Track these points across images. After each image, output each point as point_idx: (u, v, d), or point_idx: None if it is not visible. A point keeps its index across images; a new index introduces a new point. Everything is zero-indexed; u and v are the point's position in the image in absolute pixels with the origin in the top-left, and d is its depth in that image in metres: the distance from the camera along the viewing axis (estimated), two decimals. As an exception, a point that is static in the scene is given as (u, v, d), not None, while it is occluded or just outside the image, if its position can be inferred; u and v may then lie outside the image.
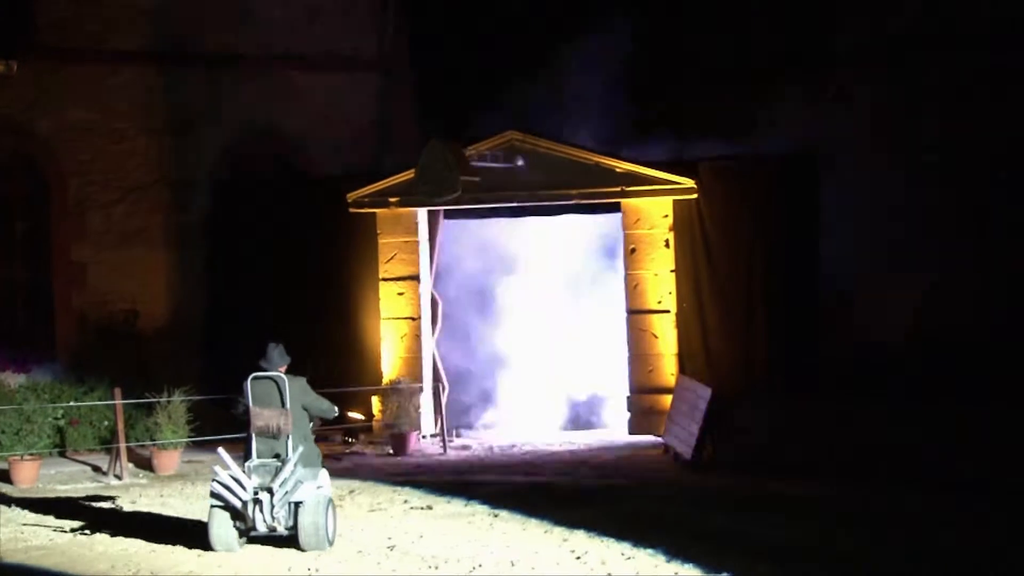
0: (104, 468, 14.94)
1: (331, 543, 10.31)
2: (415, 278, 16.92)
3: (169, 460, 15.06)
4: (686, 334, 16.23)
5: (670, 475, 14.06)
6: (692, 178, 16.07)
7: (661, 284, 16.28)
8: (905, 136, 14.38)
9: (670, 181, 16.12)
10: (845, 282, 15.21)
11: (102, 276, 17.72)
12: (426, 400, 16.61)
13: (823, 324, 15.29)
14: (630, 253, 16.34)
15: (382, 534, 11.05)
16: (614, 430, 16.59)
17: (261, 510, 10.08)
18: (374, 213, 16.95)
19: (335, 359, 16.42)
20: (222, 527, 10.19)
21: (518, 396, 17.13)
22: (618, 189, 16.20)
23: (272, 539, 10.47)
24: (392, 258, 16.99)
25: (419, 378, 16.64)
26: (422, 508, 12.23)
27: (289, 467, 10.10)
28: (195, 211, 18.08)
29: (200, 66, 17.93)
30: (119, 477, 14.67)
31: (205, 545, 10.41)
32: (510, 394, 17.21)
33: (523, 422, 17.02)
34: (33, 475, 14.39)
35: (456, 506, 12.35)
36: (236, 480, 10.15)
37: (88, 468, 15.16)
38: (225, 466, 10.24)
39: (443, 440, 16.11)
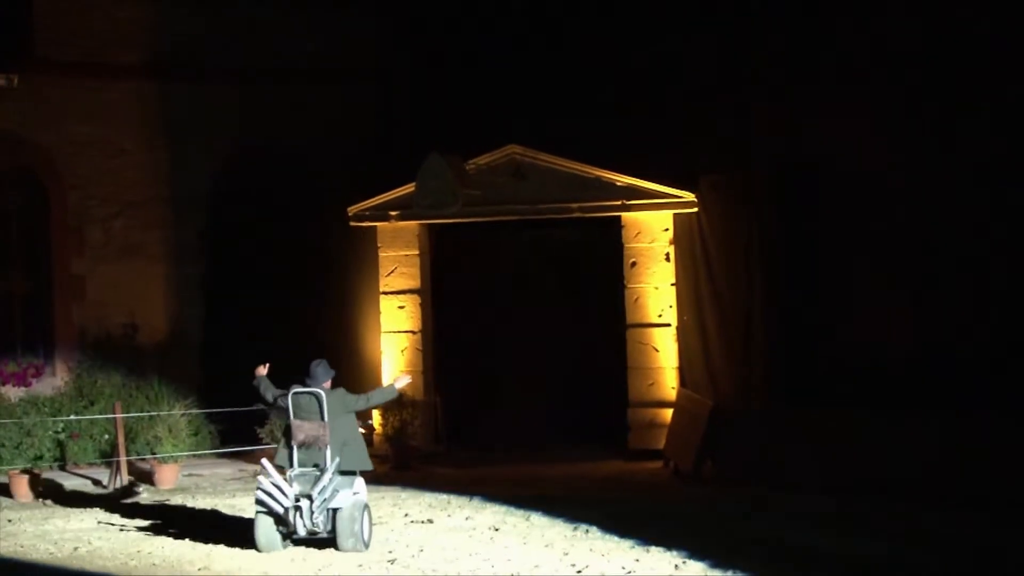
0: (105, 481, 14.95)
1: (367, 545, 11.02)
2: (416, 292, 16.92)
3: (169, 474, 15.05)
4: (686, 347, 16.19)
5: (671, 489, 14.06)
6: (693, 191, 16.06)
7: (662, 298, 16.26)
8: (907, 144, 14.37)
9: (671, 195, 16.13)
10: (846, 291, 15.09)
11: (101, 289, 17.68)
12: (427, 414, 16.61)
13: (824, 335, 15.17)
14: (630, 267, 16.34)
15: (383, 548, 11.10)
16: (615, 443, 16.47)
17: (301, 516, 10.88)
18: (375, 226, 16.96)
19: (337, 373, 16.01)
20: (266, 530, 10.99)
21: (519, 408, 17.06)
22: (619, 203, 16.21)
23: (314, 541, 11.14)
24: (393, 271, 16.99)
25: (420, 392, 16.62)
26: (423, 522, 12.24)
27: (327, 476, 10.88)
28: (194, 224, 18.08)
29: (199, 79, 17.94)
30: (119, 489, 14.70)
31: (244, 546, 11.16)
32: (511, 406, 17.14)
33: (525, 434, 16.94)
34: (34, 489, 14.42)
35: (457, 519, 12.34)
36: (278, 488, 10.93)
37: (89, 482, 15.18)
38: (268, 475, 11.01)
39: (443, 453, 16.18)
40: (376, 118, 17.79)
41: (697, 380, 15.98)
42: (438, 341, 17.12)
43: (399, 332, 17.02)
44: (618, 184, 16.23)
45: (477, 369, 16.77)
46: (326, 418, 11.00)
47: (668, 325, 16.28)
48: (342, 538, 10.91)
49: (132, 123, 17.91)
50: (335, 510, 10.93)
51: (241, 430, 16.04)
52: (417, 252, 17.00)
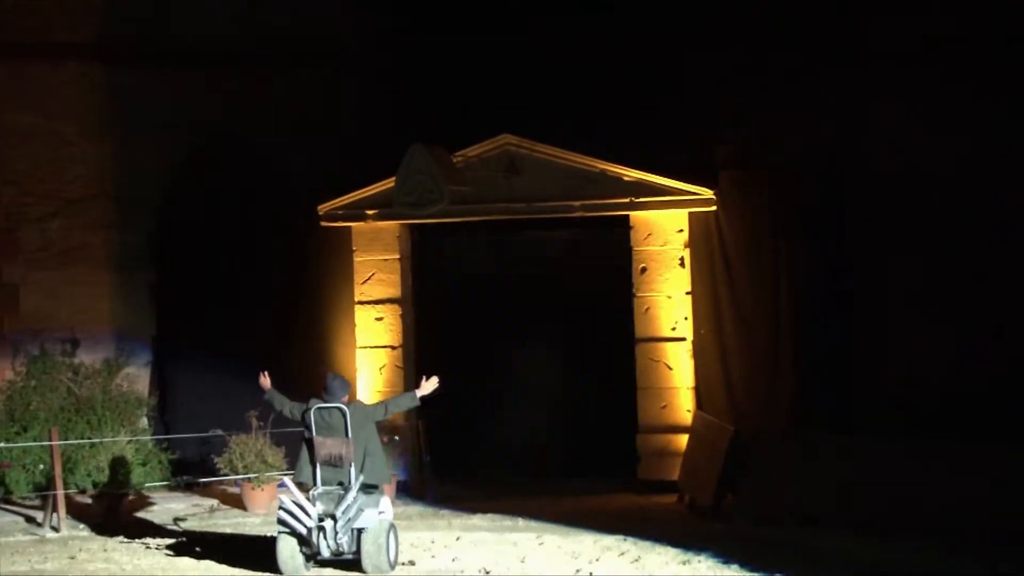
0: (40, 519, 14.77)
1: (392, 567, 11.71)
2: (395, 301, 16.88)
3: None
4: (704, 365, 16.11)
5: (686, 525, 13.99)
6: (711, 188, 15.97)
7: (675, 308, 16.20)
8: (957, 137, 14.25)
9: (686, 191, 16.04)
10: (886, 302, 15.04)
11: (37, 300, 17.50)
12: (408, 441, 16.42)
13: (861, 351, 15.11)
14: (640, 273, 16.28)
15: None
16: (622, 473, 16.39)
17: (325, 536, 11.51)
18: (349, 227, 16.92)
19: (306, 395, 15.60)
20: (290, 552, 11.62)
21: (513, 435, 16.98)
22: (627, 200, 16.15)
23: (338, 563, 11.77)
24: (369, 278, 16.94)
25: (401, 416, 16.11)
26: (403, 563, 12.14)
27: (351, 495, 11.53)
28: (144, 226, 17.84)
29: (154, 64, 17.73)
30: (56, 529, 14.47)
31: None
32: (504, 432, 17.04)
33: (520, 463, 16.92)
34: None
35: (442, 561, 12.33)
36: (300, 507, 11.56)
37: (21, 519, 15.03)
38: (290, 494, 11.68)
39: (427, 485, 16.05)
40: (351, 105, 17.52)
41: (716, 402, 15.92)
42: (421, 357, 16.95)
43: (376, 347, 16.96)
44: (626, 179, 16.18)
45: (466, 390, 16.33)
46: (350, 434, 11.62)
47: (683, 339, 16.22)
48: (367, 559, 11.50)
49: (77, 111, 17.68)
50: (360, 530, 11.53)
51: (197, 459, 16.28)
52: (397, 256, 16.94)
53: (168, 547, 13.24)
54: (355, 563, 11.56)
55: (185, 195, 17.70)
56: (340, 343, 17.06)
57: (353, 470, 11.58)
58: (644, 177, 16.09)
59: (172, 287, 17.74)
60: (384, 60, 17.57)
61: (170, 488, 16.10)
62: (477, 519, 14.56)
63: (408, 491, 16.12)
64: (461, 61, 17.08)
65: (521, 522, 14.32)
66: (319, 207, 16.83)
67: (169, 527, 14.55)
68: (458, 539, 13.23)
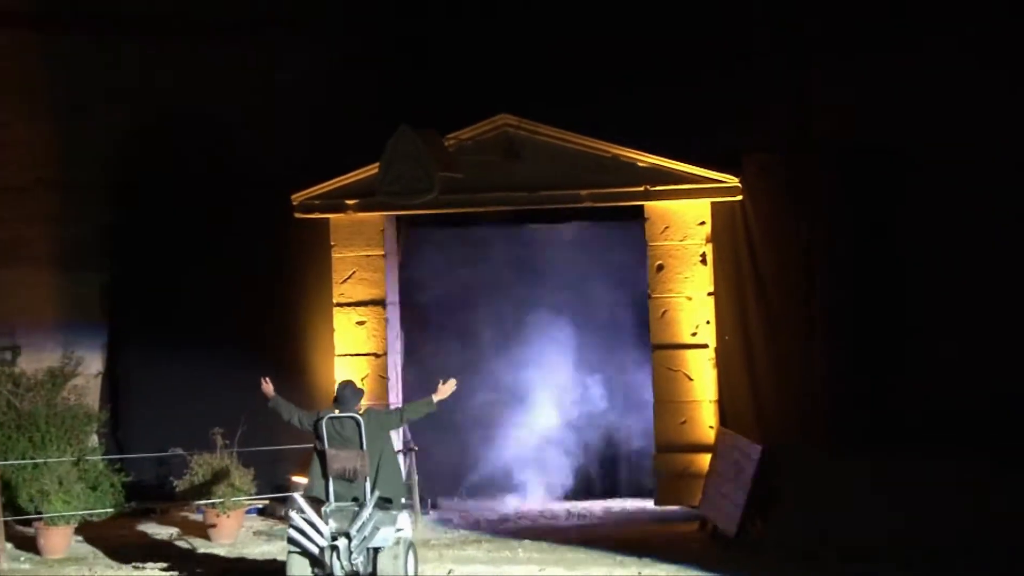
0: None
1: None
2: (380, 303, 16.65)
3: (59, 539, 14.84)
4: (728, 375, 15.95)
5: (708, 557, 13.74)
6: (736, 174, 15.79)
7: (696, 311, 16.01)
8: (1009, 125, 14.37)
9: (708, 179, 15.86)
10: (934, 304, 14.86)
11: None
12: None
13: (906, 359, 14.97)
14: (656, 271, 16.10)
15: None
16: (636, 498, 16.52)
17: (339, 556, 11.69)
18: (327, 219, 16.74)
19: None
20: (301, 572, 11.84)
21: (512, 454, 16.90)
22: (641, 189, 15.96)
23: None
24: (350, 277, 16.67)
25: None
26: None
27: (366, 511, 11.75)
28: (94, 218, 17.61)
29: (102, 33, 17.47)
30: None
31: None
32: (502, 452, 17.00)
33: (519, 488, 16.96)
34: None
35: None
36: (312, 524, 11.77)
37: None
38: (300, 510, 11.88)
39: (414, 511, 15.47)
40: (330, 80, 17.29)
41: (742, 417, 15.76)
42: (409, 368, 16.91)
43: (358, 355, 16.70)
44: (640, 165, 15.99)
45: (462, 406, 16.25)
46: (365, 446, 11.87)
47: (704, 346, 16.02)
48: None
49: (11, 87, 17.50)
50: (376, 549, 11.78)
51: (154, 482, 16.24)
52: (382, 252, 16.69)
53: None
54: None
55: (141, 182, 17.47)
56: (317, 350, 16.83)
57: (368, 484, 11.84)
58: (660, 162, 15.92)
59: (126, 288, 17.59)
60: (368, 29, 17.34)
61: (124, 515, 15.88)
62: (472, 549, 14.40)
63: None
64: (455, 31, 17.01)
65: (521, 552, 14.21)
66: (293, 196, 16.60)
67: (125, 560, 14.42)
68: (450, 572, 13.17)
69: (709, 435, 15.74)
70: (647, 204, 16.00)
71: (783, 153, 15.66)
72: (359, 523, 11.65)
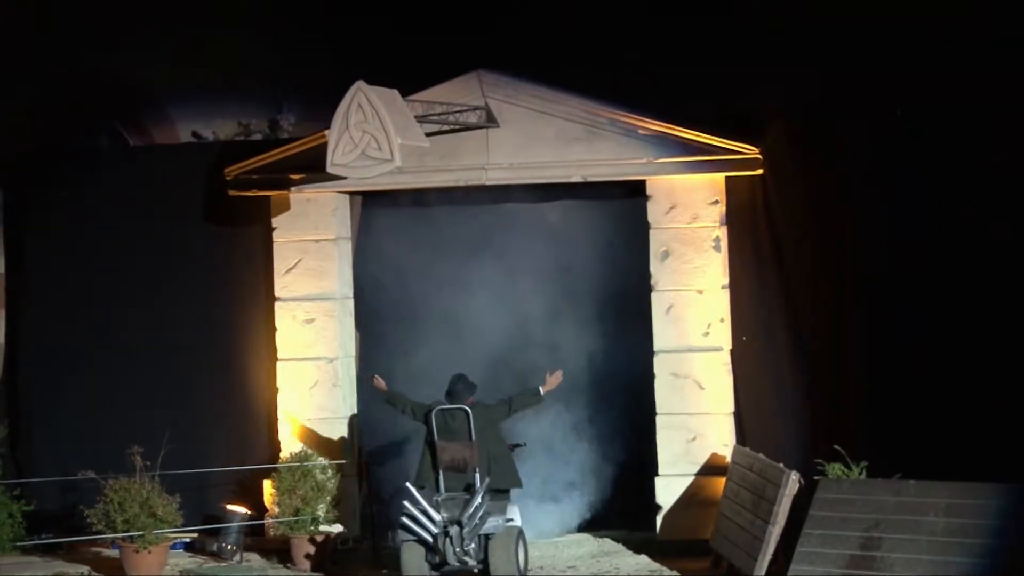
0: None
1: None
2: (331, 298, 16.34)
3: None
4: (747, 383, 15.60)
5: None
6: (756, 144, 15.29)
7: (708, 306, 15.57)
8: None
9: (722, 148, 15.36)
10: (990, 297, 14.36)
11: None
12: (346, 485, 16.03)
13: (961, 366, 14.41)
14: (661, 259, 15.66)
15: None
16: (637, 527, 16.09)
17: (452, 542, 13.23)
18: (267, 197, 16.33)
19: (207, 425, 16.40)
20: (416, 561, 13.33)
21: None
22: (643, 161, 15.52)
23: (462, 573, 13.40)
24: (295, 266, 16.33)
25: (335, 452, 16.07)
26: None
27: (476, 499, 13.23)
28: None
29: None
30: None
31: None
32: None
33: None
34: None
35: None
36: (424, 513, 13.22)
37: None
38: (414, 499, 13.32)
39: (372, 546, 15.45)
40: (271, 36, 16.85)
41: (762, 433, 15.45)
42: (367, 373, 16.08)
43: (305, 359, 16.38)
44: (642, 132, 15.52)
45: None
46: (474, 437, 13.50)
47: (718, 349, 15.60)
48: (494, 568, 13.16)
49: None
50: (487, 537, 13.30)
51: (61, 512, 16.11)
52: (333, 236, 16.36)
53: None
54: (482, 573, 13.26)
55: (39, 155, 17.13)
56: (254, 354, 16.57)
57: (478, 474, 13.43)
58: (666, 129, 15.43)
59: (24, 285, 17.27)
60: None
61: (24, 551, 15.74)
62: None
63: (349, 554, 15.75)
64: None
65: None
66: (226, 170, 16.15)
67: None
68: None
69: (723, 455, 15.33)
70: (650, 179, 15.57)
71: (813, 119, 15.32)
72: (470, 511, 13.13)
